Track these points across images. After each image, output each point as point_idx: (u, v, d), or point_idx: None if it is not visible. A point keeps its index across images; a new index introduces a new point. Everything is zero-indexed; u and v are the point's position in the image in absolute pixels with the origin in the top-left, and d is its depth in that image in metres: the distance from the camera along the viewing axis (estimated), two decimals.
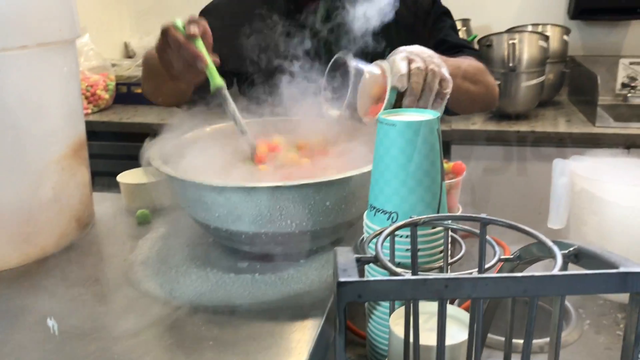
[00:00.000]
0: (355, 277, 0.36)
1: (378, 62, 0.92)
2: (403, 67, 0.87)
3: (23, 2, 0.76)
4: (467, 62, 1.15)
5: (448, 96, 0.90)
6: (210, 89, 0.94)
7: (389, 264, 0.42)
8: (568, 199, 0.93)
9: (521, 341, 0.77)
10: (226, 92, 0.95)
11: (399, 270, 0.42)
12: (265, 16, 1.21)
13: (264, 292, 0.77)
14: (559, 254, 0.40)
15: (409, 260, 0.64)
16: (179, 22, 0.94)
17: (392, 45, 0.97)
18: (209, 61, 0.93)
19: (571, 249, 0.43)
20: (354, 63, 0.89)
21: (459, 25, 2.36)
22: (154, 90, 1.26)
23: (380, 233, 0.52)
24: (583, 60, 2.29)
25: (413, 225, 0.52)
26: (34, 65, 0.79)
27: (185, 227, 0.94)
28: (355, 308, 0.81)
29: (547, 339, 0.79)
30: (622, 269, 0.36)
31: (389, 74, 0.88)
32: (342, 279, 0.36)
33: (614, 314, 0.84)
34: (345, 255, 0.41)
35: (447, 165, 0.90)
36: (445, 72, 0.90)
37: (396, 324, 0.58)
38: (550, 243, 0.42)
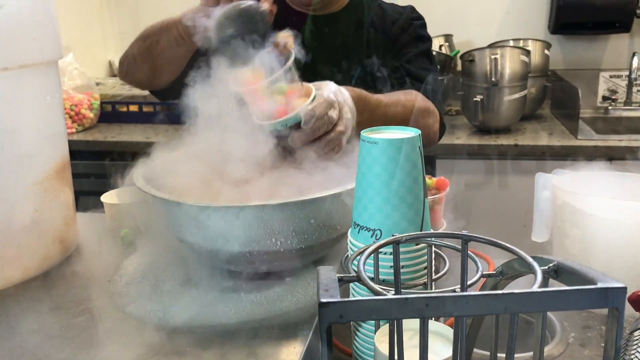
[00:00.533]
0: (336, 298, 0.36)
1: (308, 84, 0.92)
2: (319, 110, 0.88)
3: (3, 23, 0.76)
4: (402, 104, 1.14)
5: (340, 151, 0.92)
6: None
7: (371, 283, 0.42)
8: (551, 213, 0.94)
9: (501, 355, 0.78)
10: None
11: (381, 288, 0.42)
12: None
13: (250, 311, 0.77)
14: (538, 270, 0.41)
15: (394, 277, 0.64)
16: None
17: (359, 61, 0.98)
18: None
19: (551, 264, 0.44)
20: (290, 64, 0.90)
21: (441, 41, 2.39)
22: (150, 69, 1.26)
23: (363, 251, 0.52)
24: (564, 74, 2.32)
25: (395, 243, 0.52)
26: (16, 87, 0.79)
27: (170, 247, 0.93)
28: (342, 325, 0.81)
29: (532, 353, 0.80)
30: (600, 285, 0.36)
31: (308, 101, 0.88)
32: (323, 300, 0.36)
33: (598, 327, 0.84)
34: (327, 275, 0.42)
35: (431, 181, 0.90)
36: (347, 132, 0.92)
37: (381, 341, 0.58)
38: (529, 259, 0.43)
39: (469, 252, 0.52)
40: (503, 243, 0.46)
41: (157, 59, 1.18)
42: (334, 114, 0.89)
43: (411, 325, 0.61)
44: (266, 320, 0.75)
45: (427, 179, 0.91)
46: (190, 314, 0.76)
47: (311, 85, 0.92)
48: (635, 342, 0.55)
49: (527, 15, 2.47)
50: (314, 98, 0.88)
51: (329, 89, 0.92)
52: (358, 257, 0.54)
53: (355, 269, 0.53)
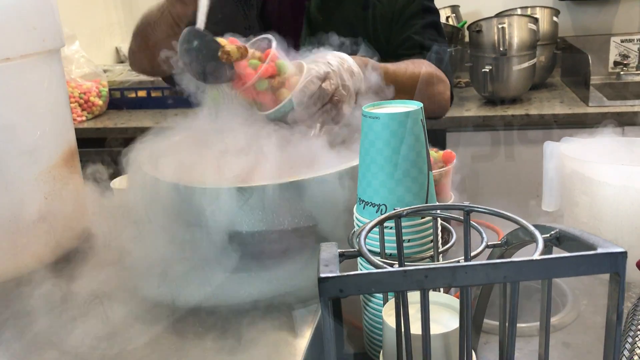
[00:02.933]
0: (336, 272, 0.36)
1: (300, 61, 0.92)
2: (311, 87, 0.88)
3: (3, 13, 0.76)
4: (410, 72, 1.13)
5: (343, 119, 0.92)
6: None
7: (371, 257, 0.42)
8: (560, 181, 0.93)
9: (518, 326, 0.78)
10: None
11: (382, 262, 0.43)
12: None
13: (261, 290, 0.77)
14: (540, 238, 0.41)
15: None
16: None
17: (365, 35, 0.97)
18: None
19: (553, 232, 0.44)
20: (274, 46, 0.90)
21: (447, 12, 2.36)
22: (152, 57, 1.27)
23: (366, 227, 0.52)
24: (574, 40, 2.28)
25: (397, 217, 0.52)
26: (18, 77, 0.80)
27: (182, 230, 0.94)
28: (353, 301, 0.82)
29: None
30: (600, 250, 0.36)
31: (300, 81, 0.88)
32: (322, 275, 0.36)
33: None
34: (328, 251, 0.42)
35: (437, 154, 0.90)
36: (347, 99, 0.91)
37: (389, 315, 0.59)
38: (531, 227, 0.43)
39: (472, 222, 0.52)
40: (504, 212, 0.46)
41: (155, 47, 1.18)
42: (327, 85, 0.89)
43: (418, 298, 0.62)
44: (277, 297, 0.76)
45: (433, 152, 0.91)
46: (202, 295, 0.77)
47: (303, 61, 0.92)
48: None
49: None
50: (306, 76, 0.88)
51: (323, 60, 0.92)
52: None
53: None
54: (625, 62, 2.35)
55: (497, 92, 2.00)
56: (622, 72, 2.29)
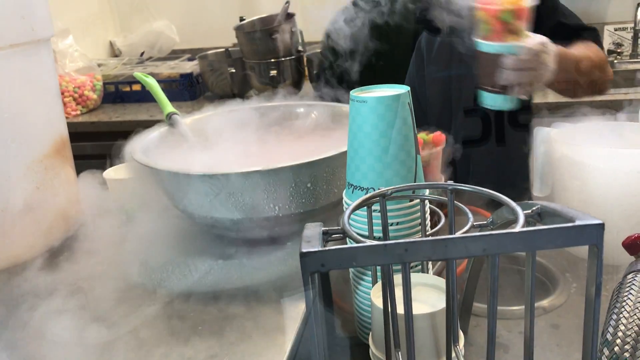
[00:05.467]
0: (317, 247, 0.37)
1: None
2: (538, 48, 0.93)
3: None
4: (592, 55, 1.17)
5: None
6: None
7: (353, 234, 0.43)
8: (550, 166, 0.93)
9: (507, 308, 0.78)
10: (178, 117, 1.01)
11: (363, 238, 0.43)
12: None
13: (252, 276, 0.78)
14: (521, 214, 0.41)
15: (392, 234, 0.65)
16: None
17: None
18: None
19: (534, 208, 0.44)
20: None
21: None
22: None
23: (356, 207, 0.53)
24: None
25: (382, 198, 0.52)
26: (7, 67, 0.80)
27: (172, 218, 0.95)
28: (343, 285, 0.82)
29: (535, 304, 0.80)
30: (577, 222, 0.36)
31: (535, 39, 0.94)
32: (304, 250, 0.36)
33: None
34: (312, 229, 0.42)
35: (427, 136, 0.90)
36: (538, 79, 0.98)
37: (377, 296, 0.59)
38: (513, 204, 0.43)
39: (457, 203, 0.52)
40: (487, 190, 0.46)
41: None
42: (546, 58, 0.95)
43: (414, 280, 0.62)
44: (268, 283, 0.76)
45: (424, 134, 0.91)
46: (193, 281, 0.78)
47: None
48: (628, 285, 0.55)
49: None
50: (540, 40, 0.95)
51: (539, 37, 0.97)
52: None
53: (351, 226, 0.53)
54: (619, 50, 2.35)
55: None
56: (615, 61, 2.29)
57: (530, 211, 0.44)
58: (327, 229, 0.45)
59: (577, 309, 0.79)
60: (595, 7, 2.41)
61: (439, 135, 0.89)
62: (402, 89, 0.66)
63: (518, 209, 0.42)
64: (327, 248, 0.36)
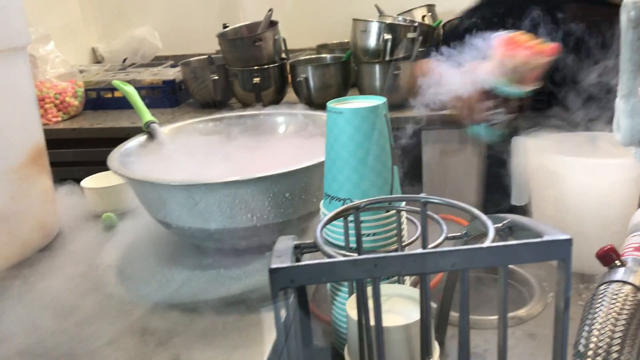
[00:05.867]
0: (287, 263, 0.37)
1: None
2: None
3: None
4: None
5: None
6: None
7: (324, 248, 0.42)
8: (527, 176, 0.94)
9: (485, 318, 0.79)
10: (157, 125, 1.01)
11: (339, 253, 0.43)
12: None
13: (229, 287, 0.78)
14: (491, 228, 0.41)
15: (368, 245, 0.65)
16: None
17: None
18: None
19: (505, 222, 0.44)
20: None
21: (423, 11, 2.37)
22: None
23: (330, 220, 0.53)
24: None
25: (355, 210, 0.52)
26: None
27: (151, 227, 0.94)
28: (322, 296, 0.82)
29: (512, 313, 0.81)
30: (546, 238, 0.37)
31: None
32: (273, 266, 0.36)
33: (576, 285, 0.85)
34: (283, 243, 0.42)
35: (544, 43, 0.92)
36: None
37: (352, 308, 0.59)
38: (483, 217, 0.43)
39: (430, 213, 0.52)
40: (458, 203, 0.47)
41: None
42: None
43: (384, 291, 0.62)
44: (245, 294, 0.76)
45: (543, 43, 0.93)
46: (169, 292, 0.77)
47: None
48: (601, 296, 0.56)
49: None
50: None
51: None
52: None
53: (327, 237, 0.53)
54: None
55: None
56: None
57: (501, 225, 0.44)
58: (299, 242, 0.45)
59: (554, 319, 0.80)
60: None
61: (556, 46, 0.90)
62: (379, 100, 0.66)
63: (489, 223, 0.42)
64: (296, 264, 0.36)
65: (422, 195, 0.50)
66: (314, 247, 0.45)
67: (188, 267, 0.83)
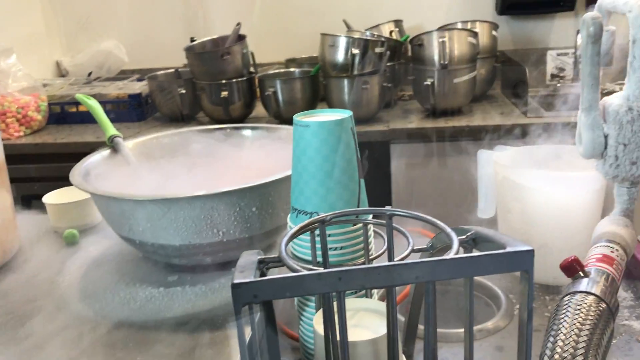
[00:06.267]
0: (250, 278, 0.36)
1: None
2: None
3: None
4: None
5: None
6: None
7: (289, 262, 0.42)
8: (493, 189, 0.95)
9: (452, 331, 0.79)
10: (121, 140, 0.99)
11: (304, 267, 0.42)
12: None
13: (194, 304, 0.76)
14: (455, 240, 0.41)
15: (335, 259, 0.65)
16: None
17: None
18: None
19: (469, 234, 0.44)
20: None
21: (391, 27, 2.40)
22: None
23: (296, 234, 0.52)
24: (512, 54, 2.36)
25: (321, 224, 0.52)
26: None
27: (114, 244, 0.92)
28: (290, 311, 0.81)
29: (480, 325, 0.81)
30: (508, 249, 0.37)
31: None
32: (236, 281, 0.35)
33: (542, 297, 0.86)
34: (248, 257, 0.41)
35: None
36: None
37: (319, 323, 0.58)
38: (448, 230, 0.43)
39: (398, 227, 0.52)
40: (422, 215, 0.47)
41: None
42: None
43: (352, 305, 0.62)
44: (210, 311, 0.74)
45: None
46: (133, 310, 0.75)
47: None
48: (565, 307, 0.56)
49: None
50: None
51: None
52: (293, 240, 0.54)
53: (294, 251, 0.53)
54: (561, 74, 2.44)
55: (439, 105, 2.04)
56: (558, 84, 2.38)
57: (465, 237, 0.44)
58: (263, 257, 0.44)
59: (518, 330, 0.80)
60: (539, 33, 2.51)
61: None
62: (345, 114, 0.66)
63: (453, 235, 0.42)
64: (259, 279, 0.35)
65: (388, 208, 0.50)
66: (278, 262, 0.45)
67: (152, 284, 0.81)
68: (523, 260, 0.36)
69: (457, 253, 0.40)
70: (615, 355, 0.72)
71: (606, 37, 0.68)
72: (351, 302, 0.61)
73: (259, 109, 2.16)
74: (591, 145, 0.68)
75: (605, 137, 0.67)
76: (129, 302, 0.77)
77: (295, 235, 0.47)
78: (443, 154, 1.93)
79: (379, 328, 0.57)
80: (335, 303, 0.49)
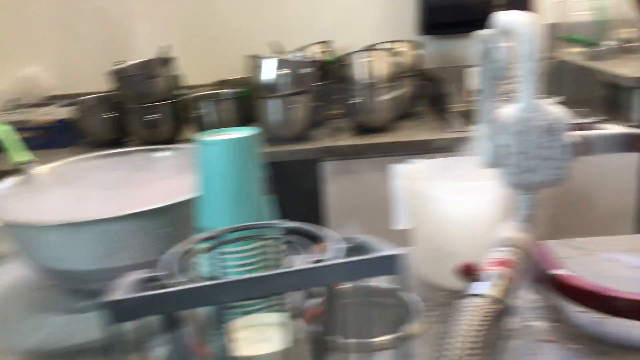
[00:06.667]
0: (121, 296, 0.36)
1: None
2: None
3: None
4: None
5: None
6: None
7: (167, 277, 0.42)
8: (406, 201, 0.98)
9: (364, 340, 0.80)
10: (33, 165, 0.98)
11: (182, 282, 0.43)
12: None
13: (107, 329, 0.75)
14: (331, 248, 0.43)
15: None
16: None
17: None
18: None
19: (354, 242, 0.46)
20: None
21: (320, 47, 2.44)
22: None
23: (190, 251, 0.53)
24: (438, 72, 2.45)
25: (216, 239, 0.53)
26: None
27: (24, 272, 0.90)
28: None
29: (396, 334, 0.83)
30: (375, 254, 0.39)
31: None
32: (106, 299, 0.36)
33: (447, 301, 0.89)
34: (128, 277, 0.42)
35: None
36: None
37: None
38: (328, 238, 0.45)
39: (291, 239, 0.54)
40: (306, 227, 0.48)
41: None
42: None
43: (262, 320, 0.62)
44: (124, 335, 0.73)
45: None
46: (42, 338, 0.74)
47: None
48: (459, 310, 0.59)
49: (399, 19, 2.59)
50: None
51: None
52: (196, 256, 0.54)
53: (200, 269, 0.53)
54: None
55: (367, 122, 2.09)
56: (475, 99, 2.48)
57: (345, 245, 0.46)
58: (151, 275, 0.44)
59: (436, 337, 0.82)
60: (459, 52, 2.62)
61: None
62: (246, 132, 0.68)
63: (331, 243, 0.44)
64: (130, 296, 0.36)
65: (277, 221, 0.51)
66: (157, 280, 0.45)
67: (63, 312, 0.79)
68: (390, 264, 0.38)
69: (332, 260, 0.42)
70: (520, 356, 0.75)
71: (502, 53, 0.73)
72: (265, 317, 0.62)
73: (191, 131, 2.15)
74: (493, 154, 0.72)
75: (505, 146, 0.71)
76: (37, 330, 0.75)
77: (182, 253, 0.48)
78: (371, 169, 1.97)
79: (280, 341, 0.58)
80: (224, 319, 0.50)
